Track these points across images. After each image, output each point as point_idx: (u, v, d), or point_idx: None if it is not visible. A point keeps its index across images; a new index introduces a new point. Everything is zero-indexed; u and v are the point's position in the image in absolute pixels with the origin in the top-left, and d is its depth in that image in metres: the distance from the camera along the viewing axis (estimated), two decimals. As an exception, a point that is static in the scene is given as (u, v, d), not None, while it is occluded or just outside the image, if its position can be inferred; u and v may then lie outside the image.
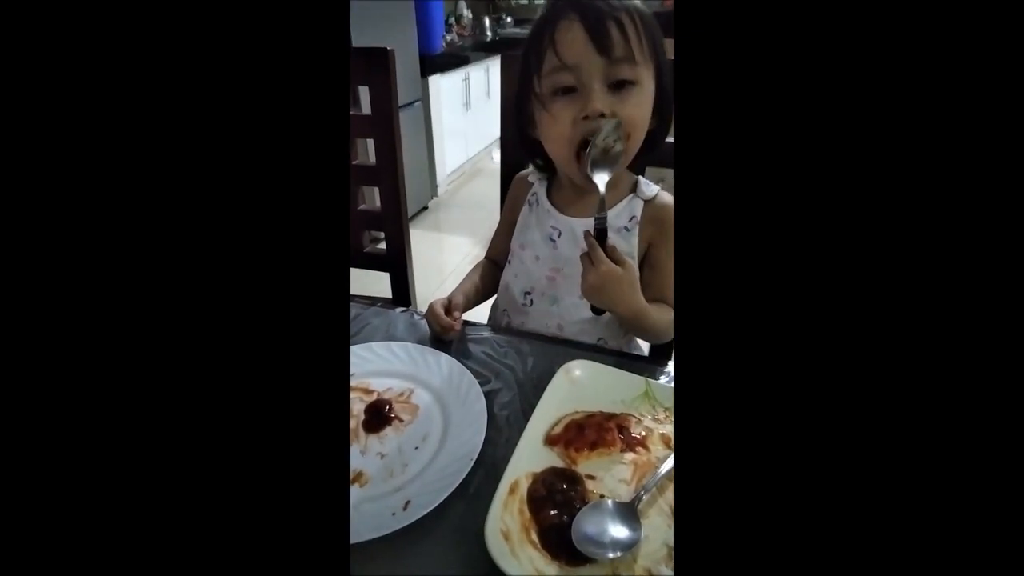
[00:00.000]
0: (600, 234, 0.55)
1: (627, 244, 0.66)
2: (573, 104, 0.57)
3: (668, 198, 0.67)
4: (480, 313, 0.75)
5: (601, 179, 0.55)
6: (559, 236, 0.68)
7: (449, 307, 0.65)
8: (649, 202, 0.66)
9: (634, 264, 0.66)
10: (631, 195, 0.67)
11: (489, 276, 0.78)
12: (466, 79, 3.00)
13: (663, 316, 0.62)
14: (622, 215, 0.66)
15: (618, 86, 0.56)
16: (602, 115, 0.55)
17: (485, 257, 0.81)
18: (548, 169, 0.71)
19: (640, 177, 0.68)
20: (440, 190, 2.96)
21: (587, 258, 0.55)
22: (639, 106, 0.57)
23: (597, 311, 0.60)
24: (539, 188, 0.72)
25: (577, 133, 0.57)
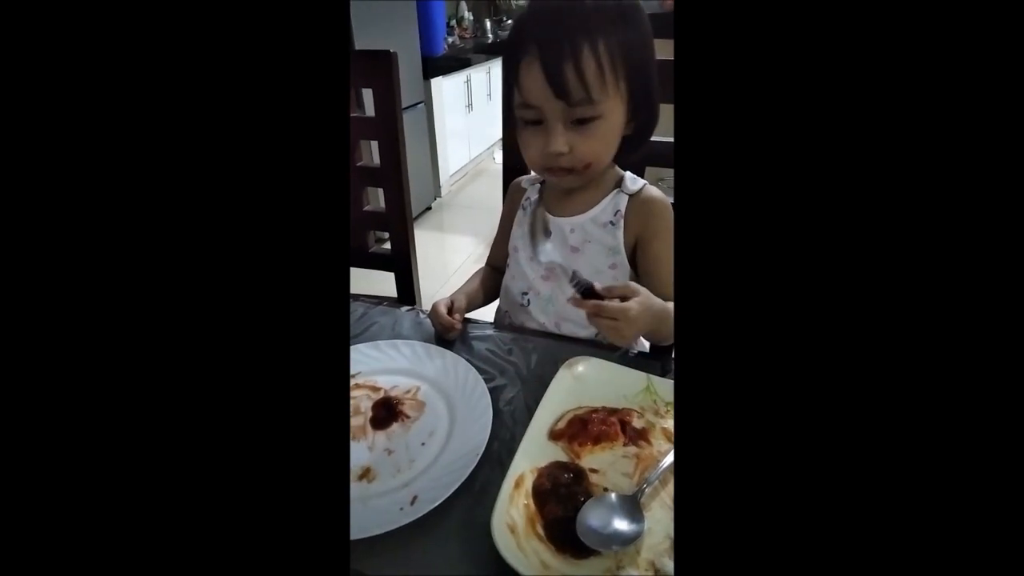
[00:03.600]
0: (587, 293, 0.52)
1: (612, 239, 0.66)
2: (538, 137, 0.60)
3: (655, 192, 0.67)
4: (484, 314, 0.76)
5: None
6: (550, 236, 0.70)
7: (451, 307, 0.66)
8: (634, 196, 0.67)
9: (625, 258, 0.66)
10: (615, 190, 0.68)
11: (490, 281, 0.79)
12: (468, 81, 3.01)
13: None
14: (606, 210, 0.67)
15: (580, 122, 0.58)
16: (559, 154, 0.59)
17: (486, 263, 0.82)
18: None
19: (627, 173, 0.69)
20: (443, 191, 2.97)
21: (599, 319, 0.51)
22: (599, 139, 0.59)
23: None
24: (532, 193, 0.74)
25: (544, 161, 0.61)
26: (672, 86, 0.70)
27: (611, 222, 0.67)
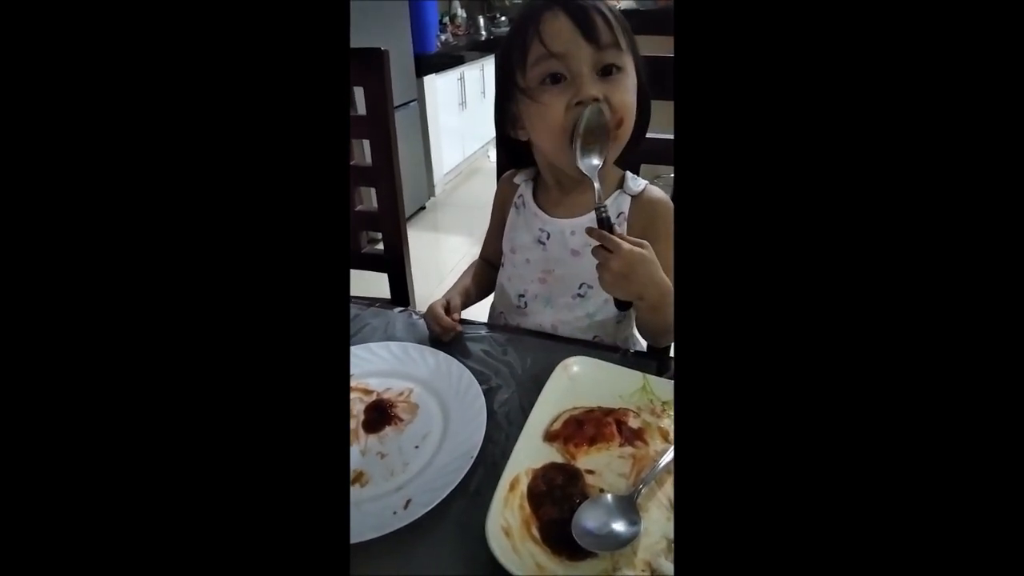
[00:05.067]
0: (603, 223, 0.53)
1: None
2: (564, 92, 0.56)
3: (658, 192, 0.67)
4: (479, 313, 0.75)
5: (592, 168, 0.55)
6: (548, 238, 0.68)
7: (448, 308, 0.65)
8: (636, 197, 0.66)
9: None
10: (618, 191, 0.67)
11: (483, 275, 0.78)
12: (461, 78, 3.00)
13: None
14: (609, 211, 0.66)
15: (606, 72, 0.57)
16: (595, 100, 0.55)
17: (479, 257, 0.81)
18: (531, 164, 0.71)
19: (627, 172, 0.68)
20: (437, 190, 2.96)
21: (601, 250, 0.52)
22: (628, 91, 0.58)
23: (623, 305, 0.58)
24: (525, 190, 0.72)
25: (570, 120, 0.56)
26: (667, 82, 0.71)
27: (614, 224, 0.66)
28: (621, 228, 0.65)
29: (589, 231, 0.54)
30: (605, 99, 0.56)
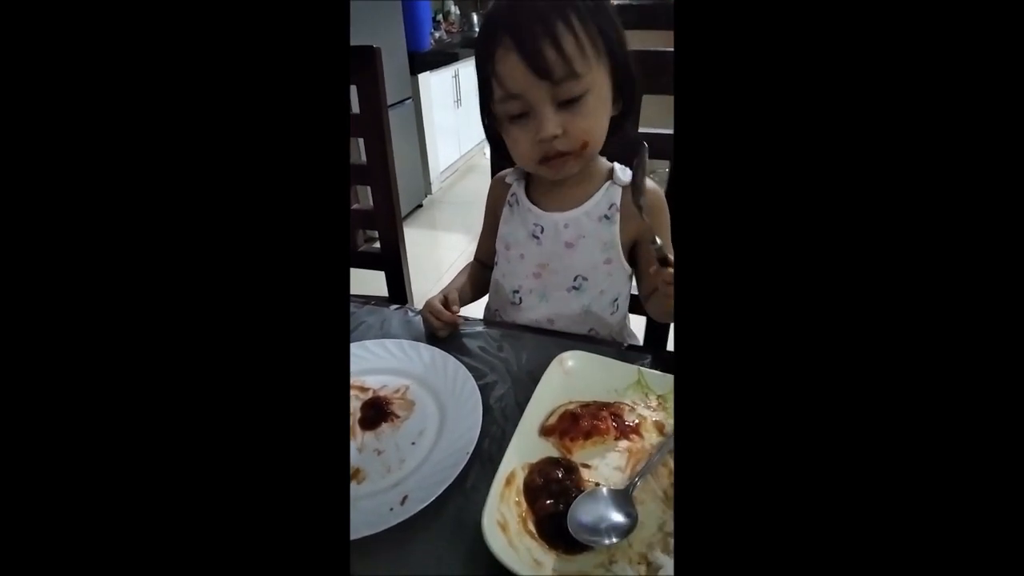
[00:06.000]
0: (663, 260, 0.52)
1: (608, 233, 0.66)
2: (528, 129, 0.58)
3: (649, 184, 0.66)
4: (474, 313, 0.75)
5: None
6: (542, 232, 0.68)
7: (447, 302, 0.65)
8: (627, 188, 0.66)
9: (620, 253, 0.66)
10: (608, 182, 0.67)
11: (478, 276, 0.78)
12: (456, 76, 2.99)
13: None
14: (600, 204, 0.66)
15: (568, 102, 0.57)
16: (555, 137, 0.57)
17: (474, 259, 0.81)
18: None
19: (615, 164, 0.68)
20: (434, 188, 2.95)
21: (669, 287, 0.52)
22: (591, 116, 0.58)
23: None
24: (517, 188, 0.72)
25: (538, 151, 0.59)
26: (660, 77, 0.70)
27: (606, 216, 0.66)
28: (614, 220, 0.66)
29: (656, 274, 0.53)
30: (565, 132, 0.57)
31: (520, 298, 0.71)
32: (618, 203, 0.66)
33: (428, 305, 0.65)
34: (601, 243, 0.66)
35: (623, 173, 0.67)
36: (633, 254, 0.68)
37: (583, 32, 0.54)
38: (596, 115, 0.59)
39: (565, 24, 0.53)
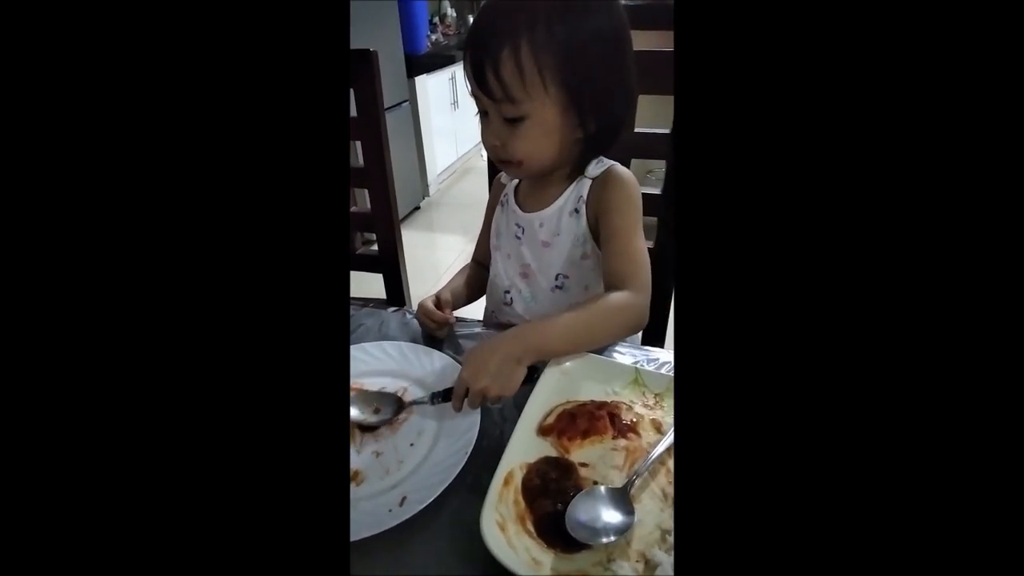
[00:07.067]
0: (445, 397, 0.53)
1: (577, 227, 0.65)
2: (483, 128, 0.62)
3: (618, 170, 0.65)
4: (473, 313, 0.75)
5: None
6: (523, 233, 0.69)
7: (439, 303, 0.65)
8: (596, 179, 0.65)
9: (594, 244, 0.65)
10: (579, 177, 0.66)
11: (475, 277, 0.78)
12: (452, 78, 3.00)
13: (605, 309, 0.56)
14: (570, 200, 0.66)
15: (509, 120, 0.58)
16: (494, 146, 0.60)
17: (472, 259, 0.82)
18: None
19: (593, 160, 0.66)
20: (431, 190, 2.95)
21: (459, 401, 0.51)
22: (527, 139, 0.58)
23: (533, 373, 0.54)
24: (509, 188, 0.72)
25: (487, 150, 0.64)
26: (658, 77, 0.70)
27: (576, 210, 0.65)
28: (582, 213, 0.65)
29: (455, 407, 0.51)
30: (503, 145, 0.60)
31: (511, 298, 0.71)
32: (585, 195, 0.65)
33: (421, 307, 0.65)
34: (573, 238, 0.65)
35: (595, 166, 0.65)
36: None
37: (529, 61, 0.54)
38: (532, 139, 0.59)
39: (512, 50, 0.53)
